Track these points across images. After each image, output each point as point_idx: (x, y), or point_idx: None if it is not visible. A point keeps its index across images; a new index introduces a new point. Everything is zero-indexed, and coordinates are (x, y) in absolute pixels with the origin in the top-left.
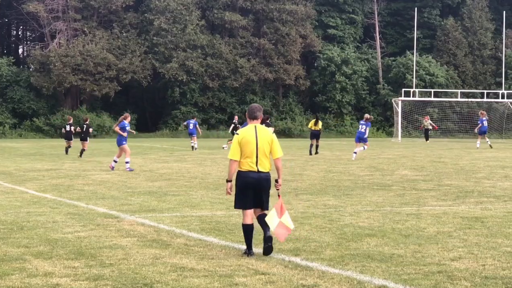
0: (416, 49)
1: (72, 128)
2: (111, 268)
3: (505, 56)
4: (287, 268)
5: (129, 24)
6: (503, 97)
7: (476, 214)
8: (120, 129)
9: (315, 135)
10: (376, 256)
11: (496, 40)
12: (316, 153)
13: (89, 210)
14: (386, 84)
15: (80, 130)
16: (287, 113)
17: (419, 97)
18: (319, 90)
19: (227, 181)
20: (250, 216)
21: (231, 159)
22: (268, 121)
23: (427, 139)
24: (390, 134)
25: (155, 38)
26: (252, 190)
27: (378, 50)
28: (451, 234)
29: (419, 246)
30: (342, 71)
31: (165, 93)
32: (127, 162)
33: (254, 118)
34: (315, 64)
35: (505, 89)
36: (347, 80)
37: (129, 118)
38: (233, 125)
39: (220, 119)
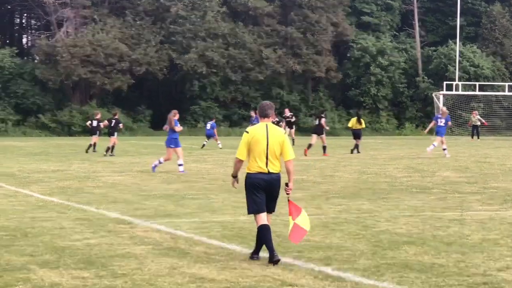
0: (459, 38)
1: (101, 124)
2: (123, 279)
3: None
4: (317, 279)
5: (143, 11)
6: None
7: None
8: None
9: (357, 135)
10: (415, 266)
11: None
12: (358, 152)
13: (99, 215)
14: (426, 77)
15: (107, 125)
16: (317, 108)
17: (463, 91)
18: (352, 84)
19: (233, 176)
20: (264, 217)
21: (237, 158)
22: (323, 115)
23: (474, 137)
24: (430, 132)
25: (172, 26)
26: (263, 192)
27: (418, 39)
28: (498, 242)
29: (463, 255)
30: (377, 63)
31: (183, 87)
32: (180, 165)
33: (265, 116)
34: (348, 55)
35: None
36: (383, 72)
37: (177, 116)
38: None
39: (244, 115)
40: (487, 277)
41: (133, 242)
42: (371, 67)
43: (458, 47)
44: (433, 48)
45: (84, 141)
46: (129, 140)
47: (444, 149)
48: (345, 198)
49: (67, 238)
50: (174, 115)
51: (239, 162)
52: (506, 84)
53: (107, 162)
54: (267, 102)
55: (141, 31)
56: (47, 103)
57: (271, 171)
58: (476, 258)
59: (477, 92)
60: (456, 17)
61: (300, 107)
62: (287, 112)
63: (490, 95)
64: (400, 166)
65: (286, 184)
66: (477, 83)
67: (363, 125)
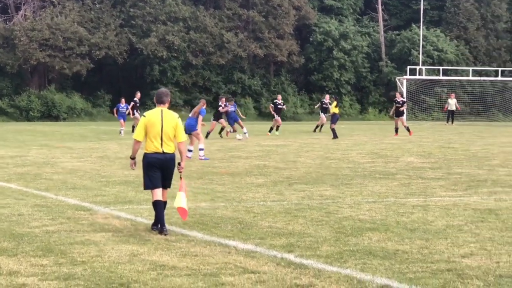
0: (422, 22)
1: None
2: (83, 266)
3: None
4: (280, 266)
5: None
6: None
7: (489, 205)
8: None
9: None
10: (379, 253)
11: None
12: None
13: (58, 202)
14: (389, 61)
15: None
16: (279, 93)
17: (426, 76)
18: (315, 68)
19: (131, 158)
20: (160, 193)
21: (135, 139)
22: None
23: (449, 121)
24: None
25: (131, 10)
26: (159, 170)
27: (381, 23)
28: (462, 228)
29: (426, 242)
30: (340, 47)
31: (143, 71)
32: (201, 149)
33: (161, 102)
34: (310, 39)
35: None
36: (346, 56)
37: (205, 105)
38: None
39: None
40: (450, 264)
41: (93, 229)
42: (333, 51)
43: (421, 31)
44: (397, 32)
45: (42, 127)
46: (88, 125)
47: None
48: (307, 184)
49: (25, 225)
50: (204, 105)
51: (136, 143)
52: (470, 68)
53: (66, 148)
54: (164, 89)
55: (100, 14)
56: (5, 87)
57: (165, 151)
58: (440, 245)
59: (440, 77)
60: (420, 1)
61: (261, 92)
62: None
63: (453, 79)
64: (363, 151)
65: (179, 164)
66: (440, 68)
67: (334, 110)
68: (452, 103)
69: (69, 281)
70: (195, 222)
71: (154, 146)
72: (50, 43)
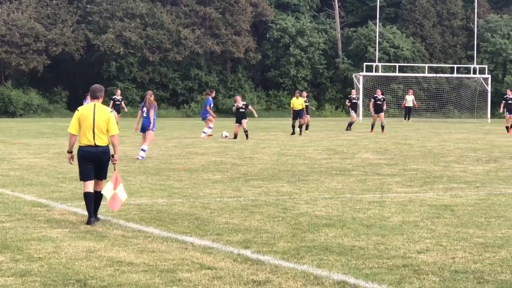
0: (379, 19)
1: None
2: (40, 263)
3: (477, 27)
4: (236, 262)
5: None
6: (474, 72)
7: (445, 201)
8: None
9: (300, 114)
10: (335, 249)
11: (468, 9)
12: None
13: (15, 198)
14: (345, 58)
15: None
16: (236, 89)
17: (383, 72)
18: (272, 64)
19: (68, 152)
20: (90, 185)
21: (69, 133)
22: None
23: (406, 118)
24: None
25: (88, 6)
26: (91, 163)
27: (337, 20)
28: (418, 224)
29: (383, 237)
30: (297, 43)
31: (100, 68)
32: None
33: (95, 97)
34: (267, 36)
35: (477, 64)
36: (302, 53)
37: (153, 96)
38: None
39: (162, 96)
40: (406, 259)
41: (50, 226)
42: (290, 48)
43: (378, 28)
44: (353, 29)
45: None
46: (45, 121)
47: None
48: (264, 180)
49: None
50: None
51: (71, 136)
52: (426, 65)
53: (23, 144)
54: (98, 85)
55: (57, 10)
56: None
57: (97, 144)
58: (396, 240)
59: (397, 74)
60: None
61: (218, 88)
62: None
63: (410, 76)
64: (320, 148)
65: (112, 156)
66: (397, 64)
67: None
68: (410, 100)
69: (25, 277)
70: (152, 218)
71: (87, 139)
72: (7, 39)
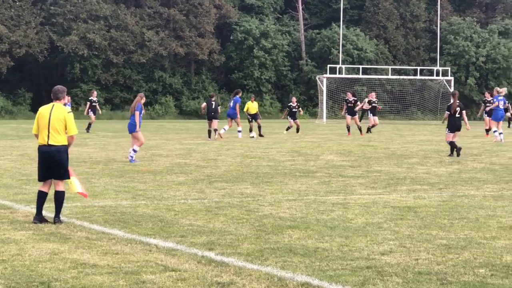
0: (342, 21)
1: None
2: (3, 265)
3: (440, 29)
4: (200, 264)
5: None
6: (437, 74)
7: (408, 203)
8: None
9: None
10: (299, 250)
11: (431, 12)
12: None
13: None
14: (309, 60)
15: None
16: (199, 91)
17: (346, 74)
18: (236, 66)
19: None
20: (46, 185)
21: (33, 134)
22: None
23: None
24: (314, 115)
25: (52, 7)
26: (46, 162)
27: (301, 22)
28: (381, 226)
29: (346, 239)
30: (261, 45)
31: (64, 69)
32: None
33: (57, 98)
34: (231, 38)
35: (440, 66)
36: (266, 55)
37: (144, 99)
38: (287, 109)
39: (125, 98)
40: (370, 261)
41: (13, 228)
42: (254, 50)
43: (341, 30)
44: (317, 31)
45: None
46: (9, 123)
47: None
48: (228, 182)
49: None
50: (141, 98)
51: (35, 136)
52: (389, 67)
53: None
54: (60, 86)
55: (20, 12)
56: None
57: (50, 143)
58: (360, 242)
59: (360, 76)
60: (340, 0)
61: (182, 90)
62: (294, 102)
63: (373, 78)
64: (284, 149)
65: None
66: (360, 67)
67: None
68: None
69: None
70: (116, 220)
71: (42, 139)
72: None
